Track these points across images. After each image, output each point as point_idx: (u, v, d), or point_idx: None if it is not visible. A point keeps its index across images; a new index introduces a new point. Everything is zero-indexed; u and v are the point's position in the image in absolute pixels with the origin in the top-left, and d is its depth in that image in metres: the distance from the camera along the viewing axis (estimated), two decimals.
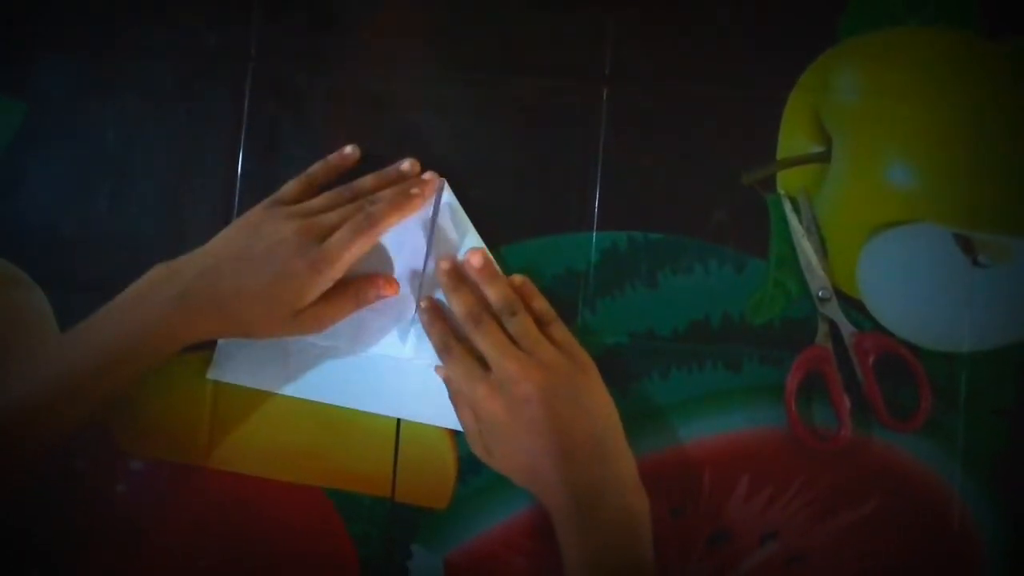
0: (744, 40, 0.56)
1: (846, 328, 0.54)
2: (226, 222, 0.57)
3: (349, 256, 0.52)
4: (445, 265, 0.55)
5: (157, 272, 0.52)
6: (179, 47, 0.60)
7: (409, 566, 0.56)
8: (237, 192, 0.59)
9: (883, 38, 0.56)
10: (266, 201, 0.56)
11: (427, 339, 0.55)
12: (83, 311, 0.56)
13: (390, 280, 0.55)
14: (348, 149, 0.57)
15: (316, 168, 0.57)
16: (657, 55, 0.57)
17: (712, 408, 0.55)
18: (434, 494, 0.55)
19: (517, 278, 0.55)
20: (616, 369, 0.56)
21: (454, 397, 0.54)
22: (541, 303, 0.55)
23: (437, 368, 0.55)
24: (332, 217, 0.53)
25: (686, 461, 0.55)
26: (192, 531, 0.57)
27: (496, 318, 0.53)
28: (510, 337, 0.52)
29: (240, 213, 0.58)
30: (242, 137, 0.59)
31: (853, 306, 0.55)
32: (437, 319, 0.55)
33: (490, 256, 0.55)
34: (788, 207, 0.55)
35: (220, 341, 0.57)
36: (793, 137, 0.56)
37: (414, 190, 0.54)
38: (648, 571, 0.49)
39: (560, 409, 0.50)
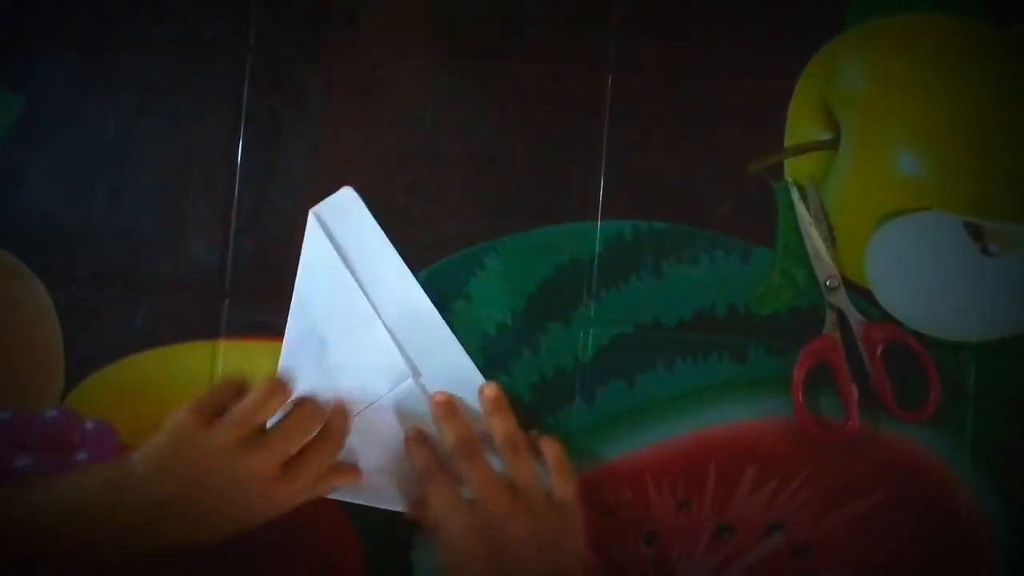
0: (751, 27, 0.56)
1: (854, 317, 0.54)
2: (224, 214, 0.57)
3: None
4: (440, 398, 0.54)
5: (99, 485, 0.48)
6: (177, 38, 0.59)
7: (412, 558, 0.56)
8: (236, 184, 0.58)
9: (890, 25, 0.56)
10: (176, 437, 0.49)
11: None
12: (81, 303, 0.57)
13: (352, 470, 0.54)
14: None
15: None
16: (662, 42, 0.56)
17: (718, 399, 0.55)
18: None
19: (489, 389, 0.53)
20: (621, 360, 0.55)
21: (427, 524, 0.53)
22: (507, 424, 0.53)
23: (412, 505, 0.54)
24: (284, 445, 0.50)
25: (692, 452, 0.55)
26: None
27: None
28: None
29: (239, 205, 0.57)
30: (241, 128, 0.58)
31: (861, 295, 0.54)
32: (424, 446, 0.53)
33: (502, 389, 0.54)
34: (796, 195, 0.55)
35: None
36: (801, 124, 0.55)
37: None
38: None
39: (539, 556, 0.49)
